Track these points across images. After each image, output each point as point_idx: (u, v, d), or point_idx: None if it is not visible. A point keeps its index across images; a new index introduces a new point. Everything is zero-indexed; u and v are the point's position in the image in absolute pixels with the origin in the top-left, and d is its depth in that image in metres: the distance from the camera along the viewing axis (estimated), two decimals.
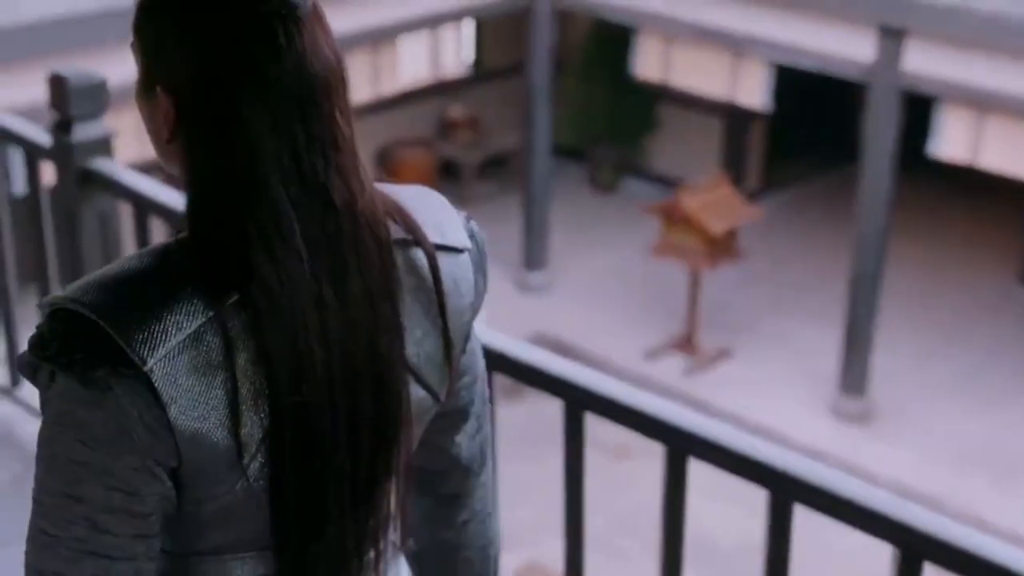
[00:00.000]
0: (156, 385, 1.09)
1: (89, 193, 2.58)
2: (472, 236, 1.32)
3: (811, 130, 11.08)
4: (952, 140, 7.08)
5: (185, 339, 1.10)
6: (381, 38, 7.71)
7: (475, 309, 1.32)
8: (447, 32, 8.15)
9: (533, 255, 9.25)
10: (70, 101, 2.50)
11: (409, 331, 1.23)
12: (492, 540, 1.53)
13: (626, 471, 7.37)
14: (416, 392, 1.25)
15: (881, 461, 7.54)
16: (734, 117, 10.30)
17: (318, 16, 1.15)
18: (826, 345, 8.47)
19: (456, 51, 8.26)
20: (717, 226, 7.95)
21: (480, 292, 1.32)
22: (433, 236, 1.26)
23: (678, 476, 1.97)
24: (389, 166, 10.52)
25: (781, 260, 9.55)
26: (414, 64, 8.03)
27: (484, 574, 1.53)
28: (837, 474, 1.78)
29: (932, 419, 7.96)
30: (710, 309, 8.73)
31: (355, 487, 1.21)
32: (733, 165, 10.51)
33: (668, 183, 10.88)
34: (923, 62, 7.01)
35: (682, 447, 1.93)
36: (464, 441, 1.42)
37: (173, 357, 1.10)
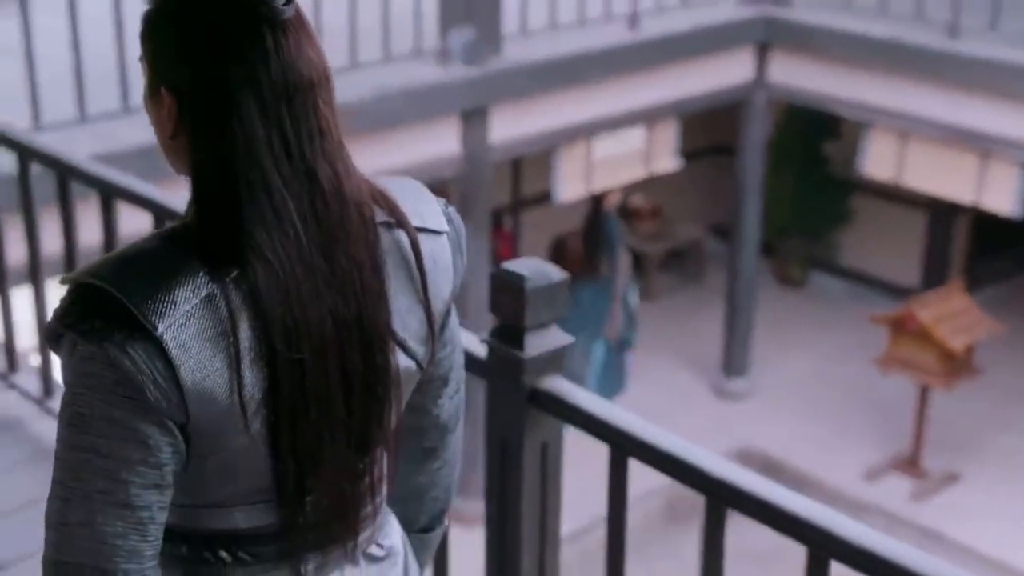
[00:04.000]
0: (167, 348, 1.22)
1: (535, 418, 2.03)
2: (450, 220, 1.47)
3: (1012, 223, 10.34)
4: None
5: (192, 308, 1.24)
6: (595, 132, 7.20)
7: (455, 287, 1.47)
8: (660, 126, 7.61)
9: (734, 361, 8.61)
10: (526, 307, 1.96)
11: (394, 304, 1.36)
12: (455, 480, 1.69)
13: None
14: (403, 361, 1.38)
15: None
16: (937, 211, 9.61)
17: (301, 21, 1.30)
18: None
19: (668, 145, 7.70)
20: (956, 341, 7.26)
21: (459, 271, 1.47)
22: (414, 219, 1.40)
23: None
24: (565, 257, 9.95)
25: (1001, 369, 8.78)
26: (626, 158, 7.49)
27: (444, 508, 1.70)
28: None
29: None
30: (930, 424, 8.01)
31: (350, 439, 1.34)
32: (935, 261, 9.81)
33: (860, 279, 10.23)
34: None
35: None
36: (445, 403, 1.59)
37: (182, 324, 1.23)
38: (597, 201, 8.33)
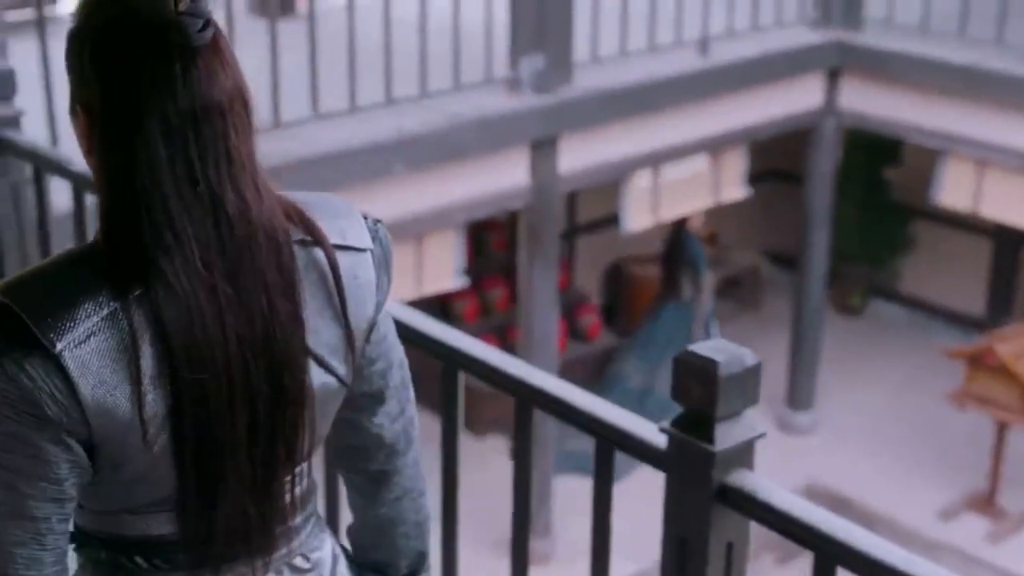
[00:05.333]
0: (65, 365, 1.27)
1: (722, 516, 1.82)
2: (376, 238, 1.49)
3: None
4: None
5: (93, 325, 1.28)
6: (663, 160, 6.99)
7: (379, 303, 1.49)
8: (728, 154, 7.41)
9: (799, 394, 8.36)
10: (718, 395, 1.76)
11: (311, 322, 1.39)
12: (427, 516, 1.69)
13: None
14: (322, 377, 1.42)
15: None
16: (1004, 238, 9.36)
17: (217, 48, 1.32)
18: None
19: (736, 173, 7.49)
20: None
21: (383, 287, 1.49)
22: (334, 237, 1.43)
23: None
24: (621, 283, 9.76)
25: None
26: (693, 187, 7.29)
27: (421, 548, 1.69)
28: None
29: None
30: (1006, 461, 7.75)
31: (253, 460, 1.37)
32: (1001, 290, 9.55)
33: (921, 307, 9.98)
34: None
35: None
36: (385, 422, 1.58)
37: (82, 341, 1.27)
38: (679, 223, 8.25)
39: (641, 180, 6.95)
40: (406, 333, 2.21)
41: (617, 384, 8.44)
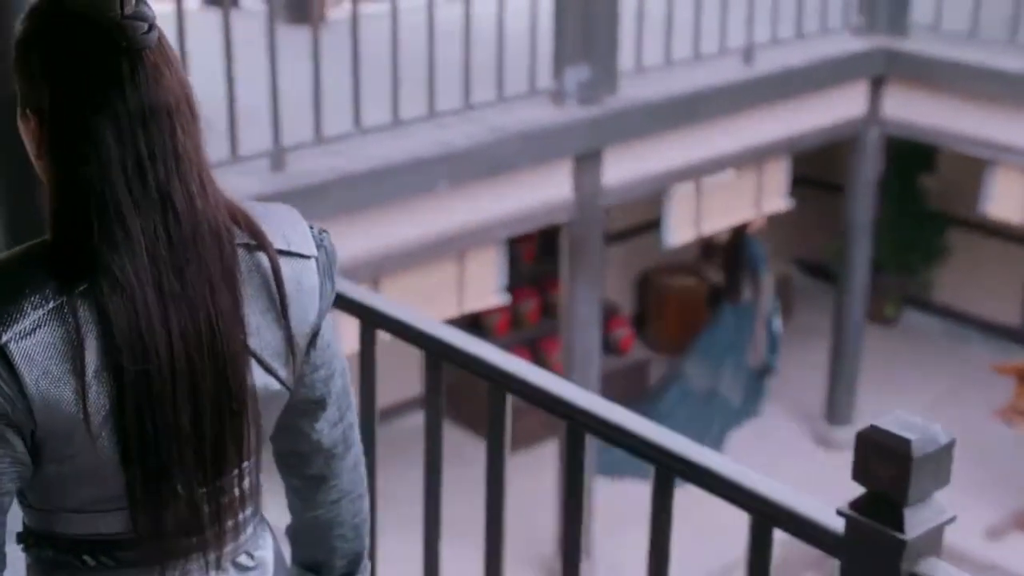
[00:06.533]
0: (10, 356, 1.28)
1: None
2: (321, 246, 1.52)
3: None
4: None
5: (39, 318, 1.30)
6: (706, 172, 6.81)
7: (321, 310, 1.51)
8: (771, 165, 7.22)
9: (838, 409, 8.17)
10: (911, 478, 1.58)
11: (252, 323, 1.41)
12: (365, 519, 1.71)
13: None
14: (263, 379, 1.44)
15: None
16: None
17: (162, 51, 1.36)
18: None
19: (779, 184, 7.30)
20: None
21: (326, 294, 1.52)
22: (278, 243, 1.46)
23: None
24: (652, 294, 9.57)
25: None
26: (736, 199, 7.10)
27: (358, 548, 1.71)
28: None
29: None
30: None
31: (200, 456, 1.39)
32: None
33: (956, 317, 9.79)
34: None
35: None
36: (325, 428, 1.61)
37: (26, 334, 1.29)
38: (740, 226, 8.15)
39: (684, 192, 6.77)
40: (525, 390, 2.06)
41: (675, 384, 8.37)
